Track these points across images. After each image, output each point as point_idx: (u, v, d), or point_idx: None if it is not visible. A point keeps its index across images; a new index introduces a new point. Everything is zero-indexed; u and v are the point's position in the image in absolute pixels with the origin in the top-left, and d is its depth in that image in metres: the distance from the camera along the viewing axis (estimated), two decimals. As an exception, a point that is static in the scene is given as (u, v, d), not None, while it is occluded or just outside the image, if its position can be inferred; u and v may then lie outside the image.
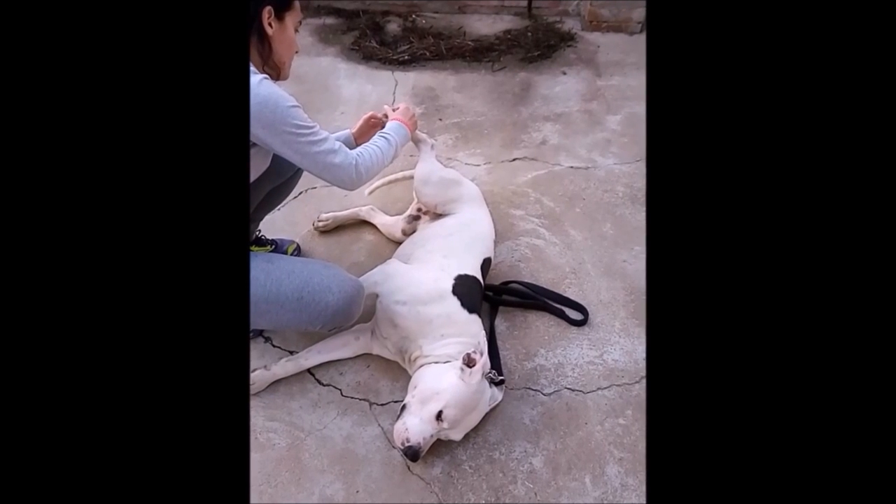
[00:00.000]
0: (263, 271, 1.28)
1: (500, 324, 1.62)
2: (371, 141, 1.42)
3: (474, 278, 1.52)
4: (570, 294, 1.68)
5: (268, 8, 1.22)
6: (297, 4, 1.30)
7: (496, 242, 1.78)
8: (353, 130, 1.60)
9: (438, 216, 1.73)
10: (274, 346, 1.56)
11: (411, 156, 1.87)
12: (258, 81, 1.16)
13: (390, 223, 1.84)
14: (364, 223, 1.92)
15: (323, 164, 1.24)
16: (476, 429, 1.34)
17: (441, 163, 2.10)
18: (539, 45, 2.86)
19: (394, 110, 1.56)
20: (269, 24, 1.23)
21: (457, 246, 1.57)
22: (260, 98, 1.14)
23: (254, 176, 1.32)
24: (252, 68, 1.20)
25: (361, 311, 1.40)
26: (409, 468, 1.31)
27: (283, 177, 1.55)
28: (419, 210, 1.80)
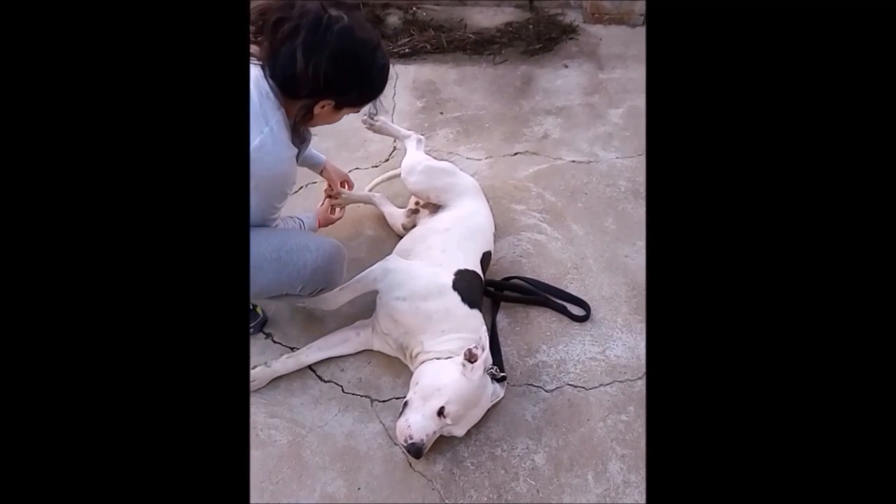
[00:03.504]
0: None
1: (502, 320, 1.61)
2: (295, 215, 1.55)
3: (474, 273, 1.51)
4: (572, 289, 1.67)
5: (326, 102, 1.24)
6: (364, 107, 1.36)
7: (497, 237, 1.76)
8: (318, 213, 1.67)
9: (437, 210, 1.72)
10: (275, 342, 1.55)
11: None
12: (289, 157, 1.25)
13: (396, 214, 1.83)
14: (365, 218, 1.91)
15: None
16: (478, 425, 1.34)
17: (443, 157, 2.10)
18: (540, 37, 2.83)
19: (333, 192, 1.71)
20: (322, 107, 1.26)
21: (455, 240, 1.56)
22: (277, 171, 1.24)
23: None
24: (285, 130, 1.24)
25: (343, 275, 1.40)
26: (410, 465, 1.30)
27: None
28: (417, 203, 1.79)
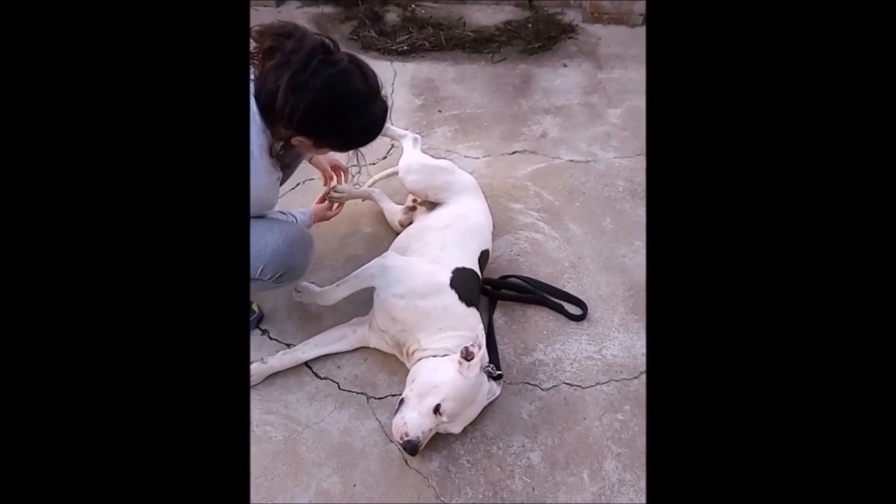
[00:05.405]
0: None
1: (499, 318, 1.61)
2: (289, 211, 1.50)
3: (472, 271, 1.51)
4: (569, 289, 1.68)
5: (300, 138, 1.21)
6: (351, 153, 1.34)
7: (495, 236, 1.76)
8: (314, 210, 1.64)
9: (434, 207, 1.72)
10: (271, 338, 1.55)
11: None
12: (267, 183, 1.24)
13: (395, 211, 1.83)
14: (363, 215, 1.91)
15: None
16: (474, 423, 1.34)
17: (441, 155, 2.10)
18: (540, 36, 2.84)
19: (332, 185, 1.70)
20: (299, 140, 1.23)
21: (453, 238, 1.56)
22: (253, 196, 1.19)
23: None
24: (266, 155, 1.22)
25: (307, 263, 1.39)
26: (406, 462, 1.31)
27: None
28: (414, 201, 1.79)
